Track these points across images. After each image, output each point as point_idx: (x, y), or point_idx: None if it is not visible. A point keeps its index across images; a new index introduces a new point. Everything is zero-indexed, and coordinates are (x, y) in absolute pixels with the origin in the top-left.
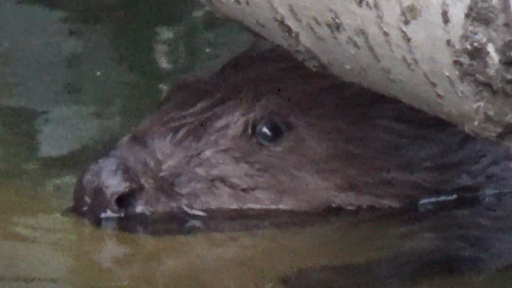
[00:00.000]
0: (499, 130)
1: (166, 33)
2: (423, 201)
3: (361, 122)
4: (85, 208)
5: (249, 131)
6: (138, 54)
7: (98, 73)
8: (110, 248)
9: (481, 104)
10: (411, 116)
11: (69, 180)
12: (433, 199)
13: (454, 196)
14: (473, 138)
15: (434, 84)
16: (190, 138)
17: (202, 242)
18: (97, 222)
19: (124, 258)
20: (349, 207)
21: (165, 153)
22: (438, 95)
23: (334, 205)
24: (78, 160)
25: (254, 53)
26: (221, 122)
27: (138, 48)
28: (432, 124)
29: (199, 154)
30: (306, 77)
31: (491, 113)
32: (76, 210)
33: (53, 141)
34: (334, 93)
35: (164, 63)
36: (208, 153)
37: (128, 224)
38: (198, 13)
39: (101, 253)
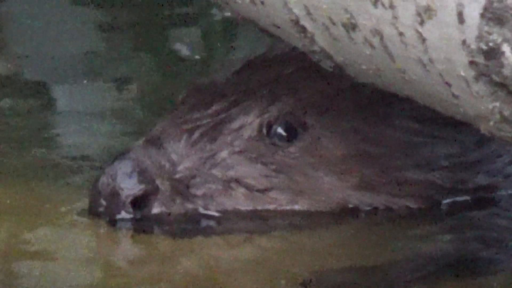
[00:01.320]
0: None
1: (184, 34)
2: (440, 201)
3: (377, 122)
4: (101, 210)
5: (264, 132)
6: (156, 55)
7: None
8: (125, 249)
9: (497, 104)
10: (428, 116)
11: (85, 181)
12: (450, 199)
13: (471, 196)
14: (490, 138)
15: (449, 85)
16: (205, 140)
17: (217, 243)
18: (113, 224)
19: (139, 259)
20: (365, 208)
21: (181, 154)
22: (454, 96)
23: (350, 205)
24: (95, 161)
25: (270, 54)
26: (236, 123)
27: (157, 49)
28: (449, 124)
29: (214, 155)
30: (322, 78)
31: (506, 113)
32: (91, 212)
33: (70, 141)
34: (350, 94)
35: (181, 64)
36: (223, 154)
37: (143, 225)
38: (217, 15)
39: (116, 254)
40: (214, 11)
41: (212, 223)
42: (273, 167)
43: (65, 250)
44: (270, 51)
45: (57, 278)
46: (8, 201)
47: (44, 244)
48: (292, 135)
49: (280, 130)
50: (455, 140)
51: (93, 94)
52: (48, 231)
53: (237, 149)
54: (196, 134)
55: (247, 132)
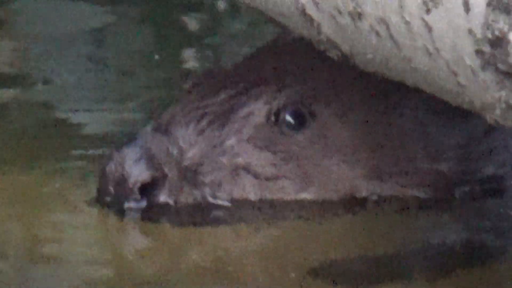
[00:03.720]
0: None
1: (191, 22)
2: (449, 191)
3: (386, 112)
4: (109, 197)
5: (273, 119)
6: (163, 43)
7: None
8: (134, 238)
9: (503, 93)
10: (437, 106)
11: (95, 168)
12: (459, 189)
13: (480, 186)
14: (499, 128)
15: (455, 73)
16: (213, 127)
17: (226, 233)
18: (121, 212)
19: (148, 249)
20: (374, 197)
21: (188, 142)
22: (460, 85)
23: (358, 194)
24: (103, 150)
25: (279, 43)
26: (244, 111)
27: (163, 37)
28: (458, 114)
29: (222, 142)
30: (331, 66)
31: None
32: (99, 200)
33: (76, 131)
34: (359, 83)
35: (188, 52)
36: (231, 141)
37: (151, 214)
38: (223, 3)
39: (124, 244)
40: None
41: (220, 212)
42: (282, 155)
43: (73, 240)
44: (279, 39)
45: (65, 269)
46: (13, 190)
47: (51, 233)
48: (300, 123)
49: (288, 118)
50: (464, 131)
51: (100, 79)
52: (55, 220)
53: (245, 136)
54: (204, 121)
55: (255, 120)
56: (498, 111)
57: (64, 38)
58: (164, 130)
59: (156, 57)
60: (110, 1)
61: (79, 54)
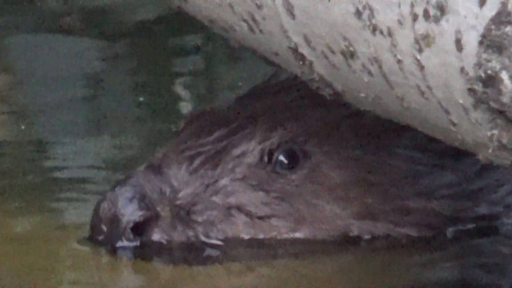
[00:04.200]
0: None
1: (185, 64)
2: (441, 229)
3: (379, 151)
4: (102, 237)
5: (266, 159)
6: (156, 85)
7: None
8: (126, 277)
9: (495, 132)
10: (430, 145)
11: (87, 207)
12: (451, 228)
13: (473, 225)
14: (492, 167)
15: (448, 112)
16: (206, 166)
17: (219, 272)
18: (113, 251)
19: (140, 287)
20: (366, 236)
21: (182, 181)
22: (452, 123)
23: (351, 233)
24: (96, 189)
25: (272, 83)
26: (237, 150)
27: (157, 79)
28: (450, 153)
29: (215, 182)
30: (324, 105)
31: (505, 140)
32: (92, 239)
33: (70, 170)
34: (352, 121)
35: (182, 94)
36: (224, 181)
37: (144, 252)
38: (217, 45)
39: (117, 282)
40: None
41: (213, 251)
42: (275, 194)
43: (66, 279)
44: (273, 78)
45: None
46: (7, 229)
47: (44, 273)
48: (293, 162)
49: (281, 158)
50: (457, 169)
51: (93, 118)
52: (49, 260)
53: (238, 176)
54: (198, 161)
55: (248, 159)
56: (490, 150)
57: (57, 75)
58: (157, 169)
59: (141, 99)
60: (104, 37)
61: (73, 91)
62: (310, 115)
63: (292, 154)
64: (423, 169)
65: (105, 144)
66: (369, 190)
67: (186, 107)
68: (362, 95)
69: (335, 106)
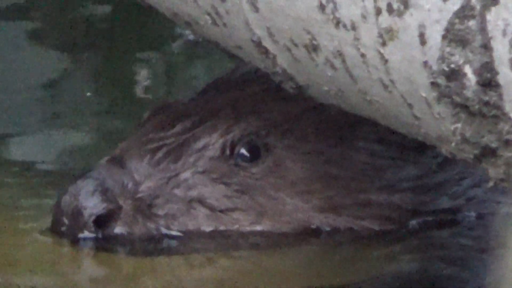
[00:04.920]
0: (476, 151)
1: (146, 59)
2: (403, 222)
3: (340, 144)
4: (63, 229)
5: (227, 152)
6: (118, 80)
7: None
8: (87, 268)
9: (458, 125)
10: (392, 138)
11: (48, 200)
12: (413, 221)
13: (435, 218)
14: (453, 161)
15: (411, 106)
16: (168, 160)
17: (180, 263)
18: (75, 242)
19: (101, 279)
20: (328, 229)
21: (143, 174)
22: (415, 117)
23: (313, 226)
24: (58, 181)
25: (234, 76)
26: (199, 144)
27: (119, 74)
28: (412, 146)
29: (177, 175)
30: (285, 99)
31: (468, 134)
32: (54, 231)
33: (31, 162)
34: (314, 115)
35: (143, 89)
36: (186, 174)
37: (106, 244)
38: (179, 43)
39: (78, 273)
40: (176, 33)
41: (174, 243)
42: (236, 187)
43: (27, 270)
44: (234, 71)
45: None
46: None
47: (4, 263)
48: (255, 155)
49: (243, 151)
50: (418, 163)
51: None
52: (10, 251)
53: (200, 169)
54: (159, 154)
55: (210, 153)
56: (453, 144)
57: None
58: (119, 162)
59: (88, 94)
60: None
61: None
62: (272, 109)
63: (253, 147)
64: (385, 162)
65: (63, 138)
66: (330, 183)
67: (145, 103)
68: (325, 88)
69: (297, 100)
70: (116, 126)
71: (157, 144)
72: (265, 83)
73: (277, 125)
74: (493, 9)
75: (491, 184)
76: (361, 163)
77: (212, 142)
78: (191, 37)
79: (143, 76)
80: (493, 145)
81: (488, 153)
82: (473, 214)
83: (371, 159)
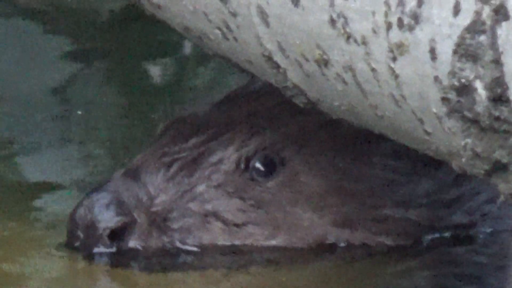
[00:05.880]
0: (486, 167)
1: (156, 68)
2: (418, 238)
3: (356, 159)
4: (78, 243)
5: (243, 166)
6: (128, 89)
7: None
8: (102, 284)
9: (469, 140)
10: (407, 154)
11: (63, 213)
12: (428, 236)
13: (450, 233)
14: (468, 176)
15: (421, 121)
16: (183, 173)
17: (194, 279)
18: (90, 257)
19: None
20: (343, 244)
21: (158, 187)
22: (426, 132)
23: (328, 241)
24: (73, 194)
25: (250, 88)
26: (214, 157)
27: (128, 83)
28: (427, 162)
29: (192, 189)
30: (302, 112)
31: (478, 149)
32: (69, 245)
33: (44, 175)
34: (330, 129)
35: (155, 95)
36: (201, 188)
37: (121, 259)
38: (188, 48)
39: None
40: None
41: (189, 258)
42: (251, 201)
43: (42, 285)
44: (250, 84)
45: None
46: None
47: (19, 278)
48: (270, 169)
49: (258, 165)
50: (434, 178)
51: (64, 125)
52: (25, 266)
53: (215, 183)
54: (174, 167)
55: (225, 166)
56: (464, 159)
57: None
58: (134, 175)
59: (79, 112)
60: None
61: (44, 112)
62: (288, 122)
63: (269, 161)
64: (401, 178)
65: (76, 150)
66: (346, 198)
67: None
68: (336, 103)
69: (313, 114)
70: (129, 134)
71: (172, 157)
72: (281, 97)
73: (293, 139)
74: (504, 24)
75: (501, 199)
76: (377, 178)
77: (227, 156)
78: None
79: (154, 82)
80: (504, 160)
81: (499, 168)
82: (488, 229)
83: (387, 174)
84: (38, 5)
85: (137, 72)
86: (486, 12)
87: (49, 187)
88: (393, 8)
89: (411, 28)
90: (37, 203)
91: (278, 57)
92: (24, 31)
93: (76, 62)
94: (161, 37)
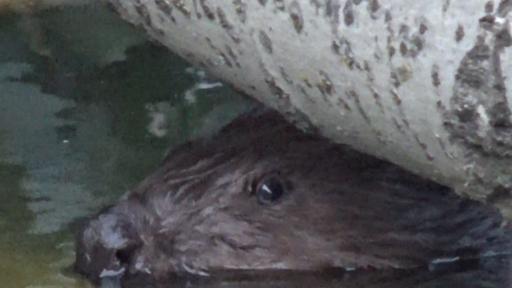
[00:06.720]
0: (489, 192)
1: (159, 111)
2: (425, 262)
3: (363, 183)
4: (86, 266)
5: (250, 189)
6: (131, 132)
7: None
8: None
9: (471, 166)
10: (414, 178)
11: (71, 236)
12: (434, 261)
13: (456, 258)
14: (475, 201)
15: (424, 146)
16: (190, 196)
17: None
18: (98, 282)
19: None
20: (350, 268)
21: (165, 210)
22: (428, 157)
23: (335, 265)
24: (81, 218)
25: (256, 113)
26: (221, 180)
27: (132, 125)
28: (434, 186)
29: (199, 211)
30: (308, 137)
31: (481, 175)
32: (77, 268)
33: (53, 200)
34: (337, 154)
35: (158, 137)
36: (208, 210)
37: (128, 283)
38: (192, 91)
39: None
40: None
41: (196, 280)
42: (258, 225)
43: None
44: (257, 109)
45: None
46: None
47: None
48: (277, 193)
49: (265, 188)
50: (440, 202)
51: (68, 161)
52: None
53: (222, 206)
54: (181, 190)
55: (232, 189)
56: (466, 184)
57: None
58: (141, 198)
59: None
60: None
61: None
62: (295, 147)
63: (276, 185)
64: (407, 202)
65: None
66: (352, 222)
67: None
68: (339, 129)
69: (320, 139)
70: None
71: (179, 180)
72: (288, 122)
73: (300, 163)
74: (506, 49)
75: (504, 224)
76: (383, 203)
77: (234, 179)
78: (204, 85)
79: (157, 123)
80: (507, 185)
81: (501, 193)
82: (494, 254)
83: (393, 199)
84: (46, 52)
85: (139, 119)
86: (489, 37)
87: (59, 213)
88: (395, 34)
89: (413, 54)
90: (40, 229)
91: (281, 83)
92: (27, 71)
93: (80, 104)
94: (165, 79)
